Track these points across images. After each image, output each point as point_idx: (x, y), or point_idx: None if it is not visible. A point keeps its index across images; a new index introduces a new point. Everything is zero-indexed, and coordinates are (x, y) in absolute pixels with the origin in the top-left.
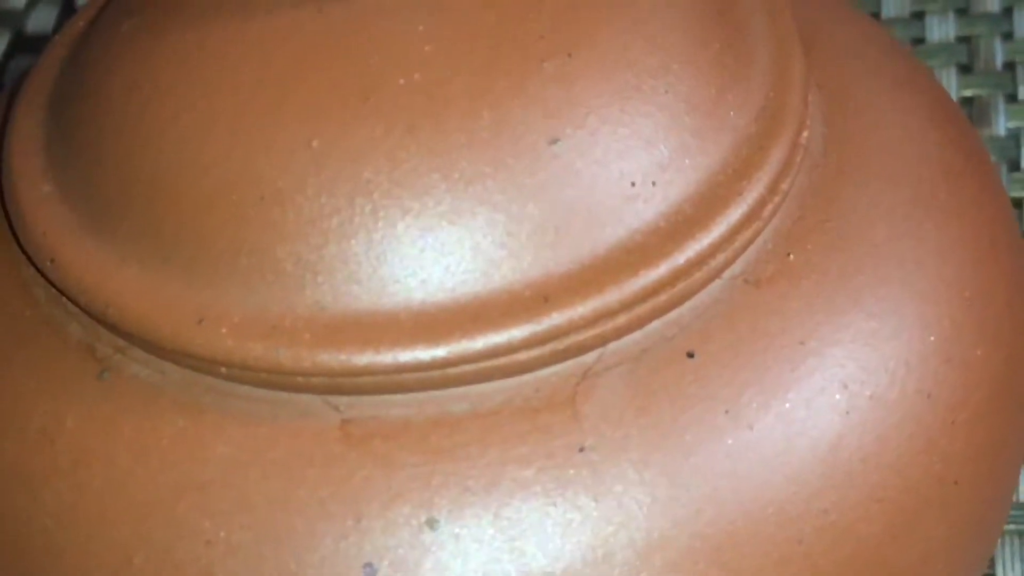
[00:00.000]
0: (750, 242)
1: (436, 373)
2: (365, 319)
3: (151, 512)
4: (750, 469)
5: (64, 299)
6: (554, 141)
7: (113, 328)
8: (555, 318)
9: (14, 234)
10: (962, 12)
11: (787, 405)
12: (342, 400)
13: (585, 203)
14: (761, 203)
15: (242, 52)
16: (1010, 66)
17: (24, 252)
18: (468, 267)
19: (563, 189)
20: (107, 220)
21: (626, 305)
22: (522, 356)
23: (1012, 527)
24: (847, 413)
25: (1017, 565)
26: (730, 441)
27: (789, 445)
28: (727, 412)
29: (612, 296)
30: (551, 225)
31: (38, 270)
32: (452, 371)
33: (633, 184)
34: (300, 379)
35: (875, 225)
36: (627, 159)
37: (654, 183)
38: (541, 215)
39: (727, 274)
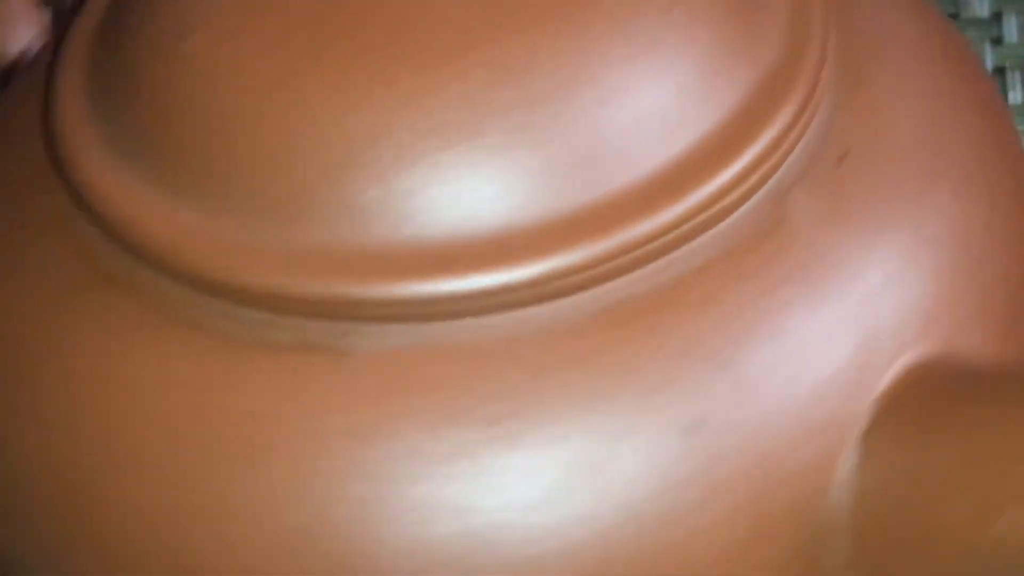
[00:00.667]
0: (776, 169)
1: (485, 301)
2: (403, 251)
3: (201, 443)
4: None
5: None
6: (584, 79)
7: (145, 256)
8: (579, 252)
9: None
10: (952, 17)
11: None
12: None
13: (615, 136)
14: (785, 133)
15: (272, 23)
16: (1000, 71)
17: (74, 198)
18: (505, 201)
19: (593, 123)
20: (148, 160)
21: (657, 234)
22: (556, 284)
23: None
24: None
25: None
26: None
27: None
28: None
29: (648, 224)
30: (581, 159)
31: (91, 214)
32: (496, 299)
33: (663, 115)
34: (343, 308)
35: (893, 163)
36: (657, 91)
37: (684, 115)
38: (571, 150)
39: (752, 203)
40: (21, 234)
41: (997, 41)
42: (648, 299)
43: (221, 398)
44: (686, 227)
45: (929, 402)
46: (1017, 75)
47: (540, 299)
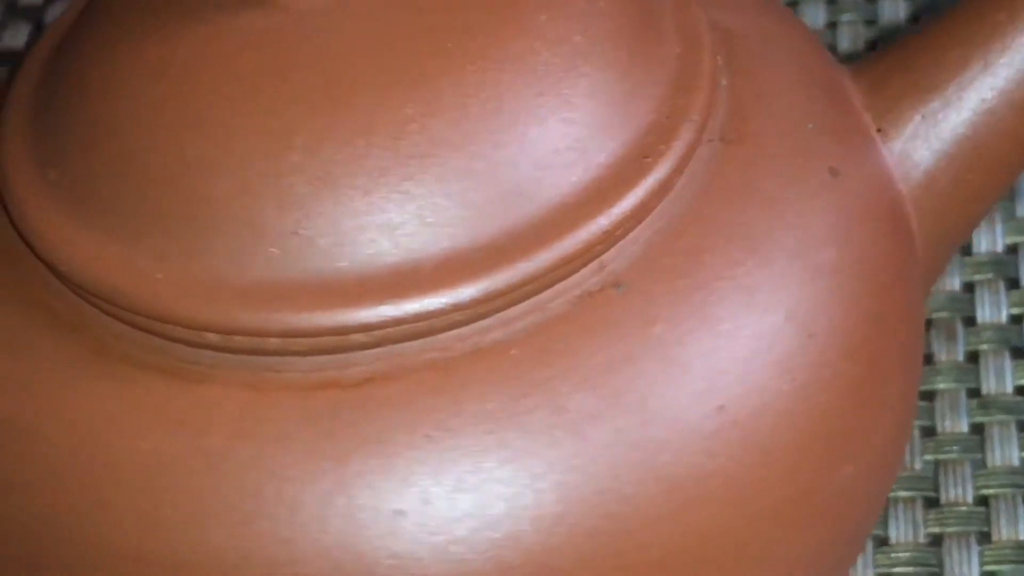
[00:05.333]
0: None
1: (394, 330)
2: (315, 283)
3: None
4: (672, 392)
5: (59, 281)
6: (478, 119)
7: (87, 294)
8: (367, 313)
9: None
10: None
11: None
12: (296, 360)
13: (510, 172)
14: (606, 239)
15: (205, 54)
16: None
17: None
18: (408, 234)
19: (488, 162)
20: (88, 200)
21: (551, 268)
22: (463, 314)
23: (903, 493)
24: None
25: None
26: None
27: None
28: (654, 340)
29: (541, 258)
30: (479, 194)
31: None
32: (417, 325)
33: (556, 152)
34: (253, 340)
35: (724, 271)
36: (548, 131)
37: (575, 152)
38: (468, 187)
39: (549, 300)
40: None
41: None
42: (421, 371)
43: (149, 431)
44: (497, 301)
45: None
46: None
47: (351, 347)
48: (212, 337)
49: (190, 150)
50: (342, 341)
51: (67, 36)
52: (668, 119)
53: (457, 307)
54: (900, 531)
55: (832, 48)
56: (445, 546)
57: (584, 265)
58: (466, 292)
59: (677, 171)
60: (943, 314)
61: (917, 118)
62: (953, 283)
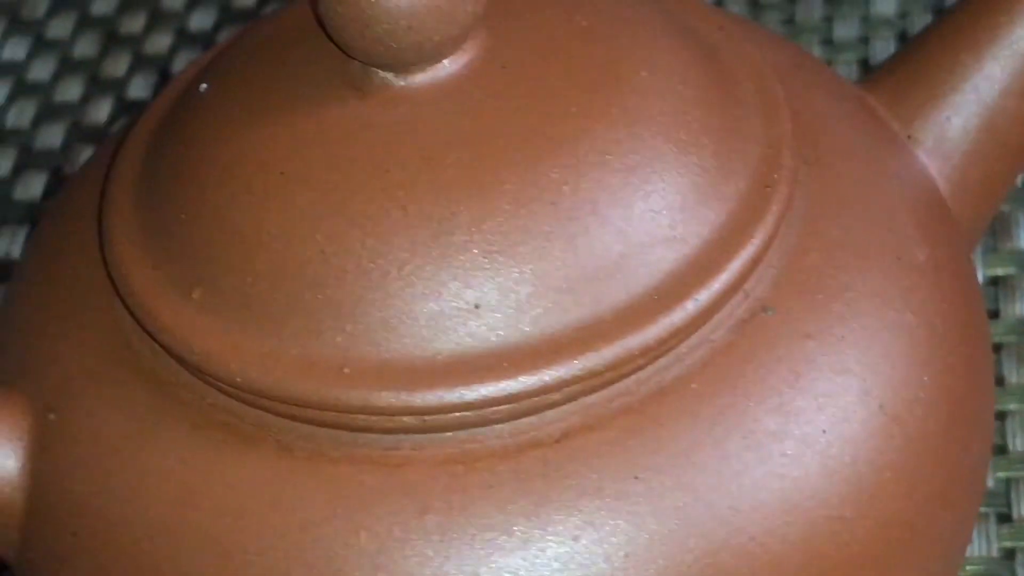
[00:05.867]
0: (731, 295)
1: (585, 384)
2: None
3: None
4: (839, 397)
5: (156, 345)
6: (570, 208)
7: (199, 373)
8: (575, 365)
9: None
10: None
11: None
12: (395, 438)
13: (598, 259)
14: (757, 257)
15: (322, 144)
16: None
17: (124, 304)
18: (504, 319)
19: (578, 248)
20: (189, 272)
21: (640, 353)
22: (550, 397)
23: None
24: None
25: (982, 542)
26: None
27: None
28: (740, 437)
29: (632, 341)
30: (569, 281)
31: (132, 315)
32: (477, 414)
33: (631, 247)
34: (341, 416)
35: (851, 280)
36: (639, 218)
37: (669, 235)
38: (559, 273)
39: (710, 332)
40: (78, 335)
41: None
42: (615, 418)
43: (269, 504)
44: (673, 340)
45: None
46: None
47: (545, 407)
48: (409, 420)
49: (327, 240)
50: (539, 402)
51: (171, 118)
52: (772, 150)
53: (643, 351)
54: (974, 546)
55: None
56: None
57: (733, 296)
58: (650, 335)
59: (789, 199)
60: (1012, 338)
61: (943, 120)
62: (1021, 309)
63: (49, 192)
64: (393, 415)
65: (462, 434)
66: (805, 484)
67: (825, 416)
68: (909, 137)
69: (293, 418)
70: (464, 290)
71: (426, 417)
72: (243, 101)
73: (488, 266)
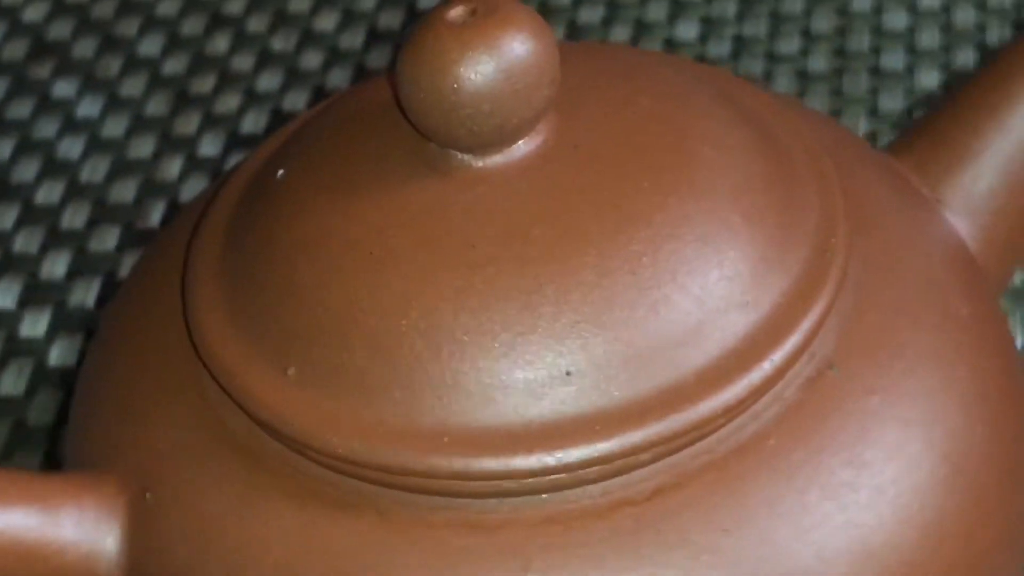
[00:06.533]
0: (795, 361)
1: (672, 443)
2: (493, 433)
3: None
4: (905, 450)
5: (250, 420)
6: (650, 279)
7: (297, 446)
8: (661, 426)
9: (196, 352)
10: None
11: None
12: (469, 502)
13: (678, 325)
14: (821, 319)
15: (392, 222)
16: None
17: (208, 372)
18: (593, 384)
19: (659, 316)
20: (280, 348)
21: (721, 413)
22: (639, 457)
23: None
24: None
25: None
26: (806, 526)
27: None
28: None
29: (713, 402)
30: (651, 347)
31: (224, 391)
32: (571, 475)
33: (708, 313)
34: (441, 483)
35: (906, 338)
36: (713, 286)
37: (740, 300)
38: (642, 340)
39: (782, 391)
40: (167, 411)
41: None
42: (701, 474)
43: (373, 571)
44: (750, 399)
45: None
46: None
47: (634, 467)
48: (508, 484)
49: (421, 316)
50: (629, 462)
51: (252, 192)
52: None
53: (724, 410)
54: None
55: None
56: None
57: (801, 356)
58: (729, 395)
59: (846, 265)
60: None
61: (968, 183)
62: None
63: (122, 245)
64: (492, 480)
65: (557, 496)
66: (880, 531)
67: (894, 466)
68: (938, 201)
69: (392, 486)
70: (556, 359)
71: (524, 480)
72: (323, 180)
73: (576, 335)
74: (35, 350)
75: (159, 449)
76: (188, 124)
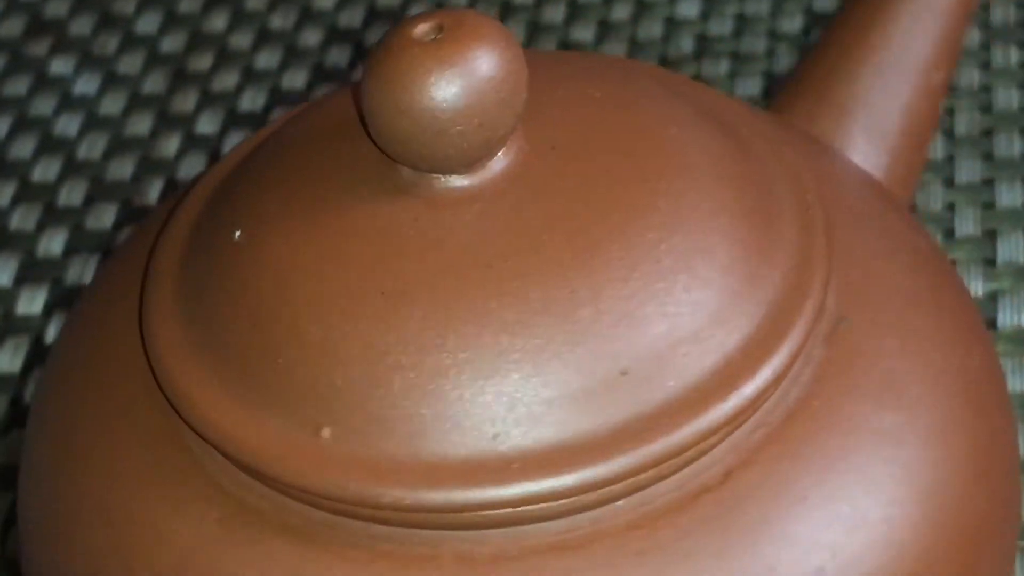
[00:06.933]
0: (769, 397)
1: (531, 508)
2: (463, 463)
3: None
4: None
5: (207, 445)
6: (552, 330)
7: (246, 468)
8: (617, 463)
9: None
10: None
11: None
12: (438, 534)
13: (574, 387)
14: (791, 361)
15: (362, 245)
16: None
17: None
18: (547, 419)
19: (555, 372)
20: (240, 373)
21: (603, 482)
22: (584, 498)
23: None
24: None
25: None
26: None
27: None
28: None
29: (587, 473)
30: (538, 404)
31: (180, 416)
32: (538, 508)
33: (624, 373)
34: (408, 515)
35: (839, 453)
36: (674, 323)
37: (701, 339)
38: (598, 374)
39: (692, 469)
40: (118, 421)
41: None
42: (679, 504)
43: None
44: (620, 485)
45: None
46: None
47: (608, 500)
48: (500, 513)
49: (349, 341)
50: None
51: (215, 204)
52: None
53: (755, 399)
54: None
55: None
56: None
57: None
58: (748, 391)
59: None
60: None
61: (859, 123)
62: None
63: (120, 222)
64: (481, 511)
65: (584, 516)
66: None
67: (889, 483)
68: (837, 147)
69: (384, 522)
70: (540, 388)
71: (519, 508)
72: (290, 200)
73: (568, 360)
74: (31, 327)
75: (121, 479)
76: (186, 102)
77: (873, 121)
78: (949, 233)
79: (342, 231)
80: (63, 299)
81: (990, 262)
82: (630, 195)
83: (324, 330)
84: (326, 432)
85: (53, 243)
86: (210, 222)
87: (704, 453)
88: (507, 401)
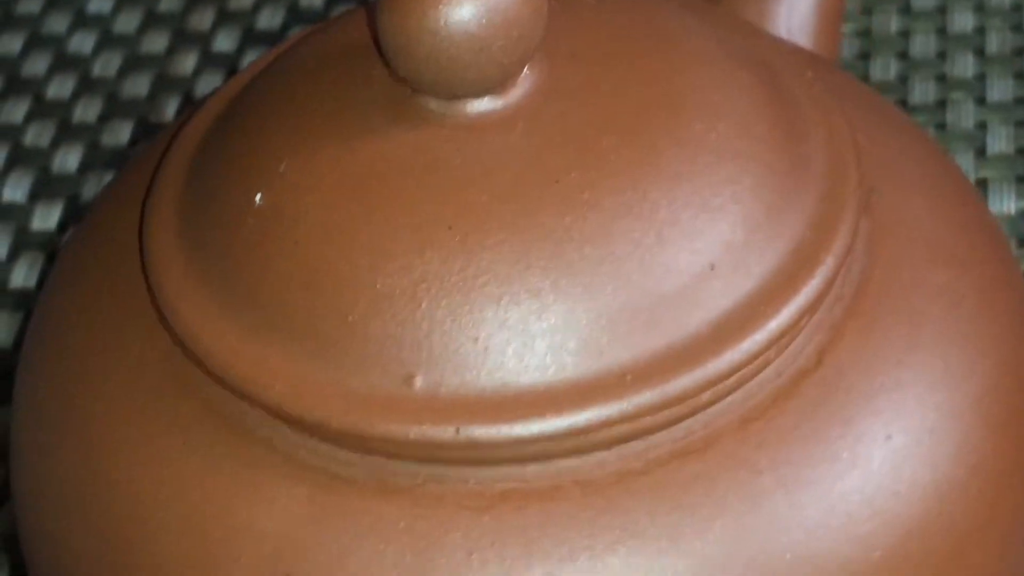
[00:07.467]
0: (801, 328)
1: (554, 444)
2: (483, 398)
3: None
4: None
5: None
6: (640, 233)
7: (253, 401)
8: (644, 396)
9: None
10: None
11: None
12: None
13: (666, 288)
14: (825, 288)
15: (374, 170)
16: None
17: (167, 327)
18: (568, 351)
19: (647, 277)
20: (246, 303)
21: (713, 381)
22: (611, 432)
23: None
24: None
25: None
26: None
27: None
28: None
29: (698, 374)
30: (637, 312)
31: (183, 349)
32: (653, 419)
33: (712, 268)
34: (523, 449)
35: (917, 311)
36: (747, 209)
37: (732, 267)
38: (622, 304)
39: (790, 354)
40: (117, 354)
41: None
42: (691, 448)
43: (310, 533)
44: (729, 380)
45: None
46: None
47: (610, 443)
48: (508, 451)
49: (374, 266)
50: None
51: (223, 126)
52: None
53: (788, 329)
54: None
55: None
56: None
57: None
58: (785, 316)
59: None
60: None
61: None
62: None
63: (136, 138)
64: (599, 430)
65: (698, 419)
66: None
67: (927, 413)
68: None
69: (393, 456)
70: (636, 296)
71: (636, 422)
72: (298, 124)
73: (657, 264)
74: (46, 243)
75: (122, 416)
76: (203, 20)
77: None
78: (980, 151)
79: (351, 153)
80: (78, 214)
81: (1022, 180)
82: (664, 90)
83: (393, 272)
84: (418, 381)
85: (68, 159)
86: (216, 144)
87: (797, 335)
88: (608, 314)
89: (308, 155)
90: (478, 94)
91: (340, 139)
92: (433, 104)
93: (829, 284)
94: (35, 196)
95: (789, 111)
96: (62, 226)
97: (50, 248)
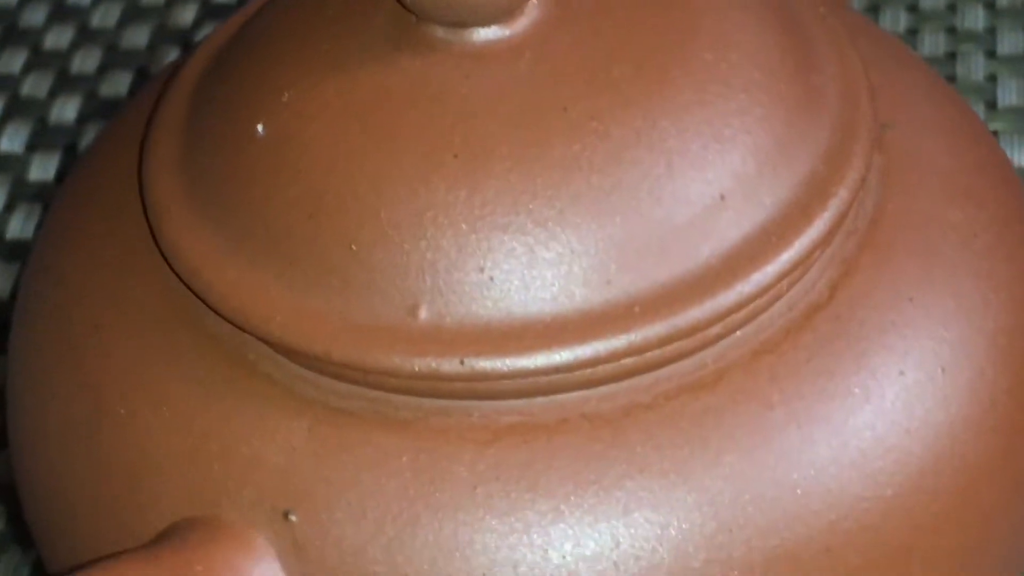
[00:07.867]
0: (813, 261)
1: (561, 376)
2: (491, 329)
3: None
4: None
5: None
6: (649, 163)
7: (253, 333)
8: (652, 328)
9: (155, 239)
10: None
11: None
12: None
13: (676, 219)
14: (838, 221)
15: (386, 97)
16: None
17: (167, 260)
18: (575, 281)
19: (656, 207)
20: (247, 234)
21: (723, 313)
22: (619, 364)
23: None
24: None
25: None
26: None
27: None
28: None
29: (708, 306)
30: (646, 242)
31: (186, 285)
32: (661, 352)
33: (723, 198)
34: (530, 382)
35: (931, 247)
36: (756, 141)
37: (742, 198)
38: (630, 234)
39: (802, 287)
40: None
41: None
42: (701, 382)
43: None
44: (740, 313)
45: None
46: None
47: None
48: (514, 384)
49: (378, 195)
50: (618, 368)
51: (224, 60)
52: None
53: (798, 263)
54: None
55: None
56: None
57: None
58: (785, 257)
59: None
60: None
61: None
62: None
63: (135, 88)
64: (607, 362)
65: (709, 352)
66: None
67: (942, 348)
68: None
69: (396, 389)
70: (645, 225)
71: (645, 355)
72: (301, 53)
73: (666, 193)
74: (44, 193)
75: (123, 351)
76: None
77: None
78: (991, 104)
79: (355, 83)
80: None
81: None
82: (674, 19)
83: (398, 201)
84: (423, 311)
85: (66, 110)
86: (216, 77)
87: (809, 268)
88: (616, 244)
89: (312, 84)
90: (485, 22)
91: (344, 68)
92: (439, 32)
93: (842, 217)
94: (32, 147)
95: (802, 44)
96: (59, 177)
97: (47, 199)
